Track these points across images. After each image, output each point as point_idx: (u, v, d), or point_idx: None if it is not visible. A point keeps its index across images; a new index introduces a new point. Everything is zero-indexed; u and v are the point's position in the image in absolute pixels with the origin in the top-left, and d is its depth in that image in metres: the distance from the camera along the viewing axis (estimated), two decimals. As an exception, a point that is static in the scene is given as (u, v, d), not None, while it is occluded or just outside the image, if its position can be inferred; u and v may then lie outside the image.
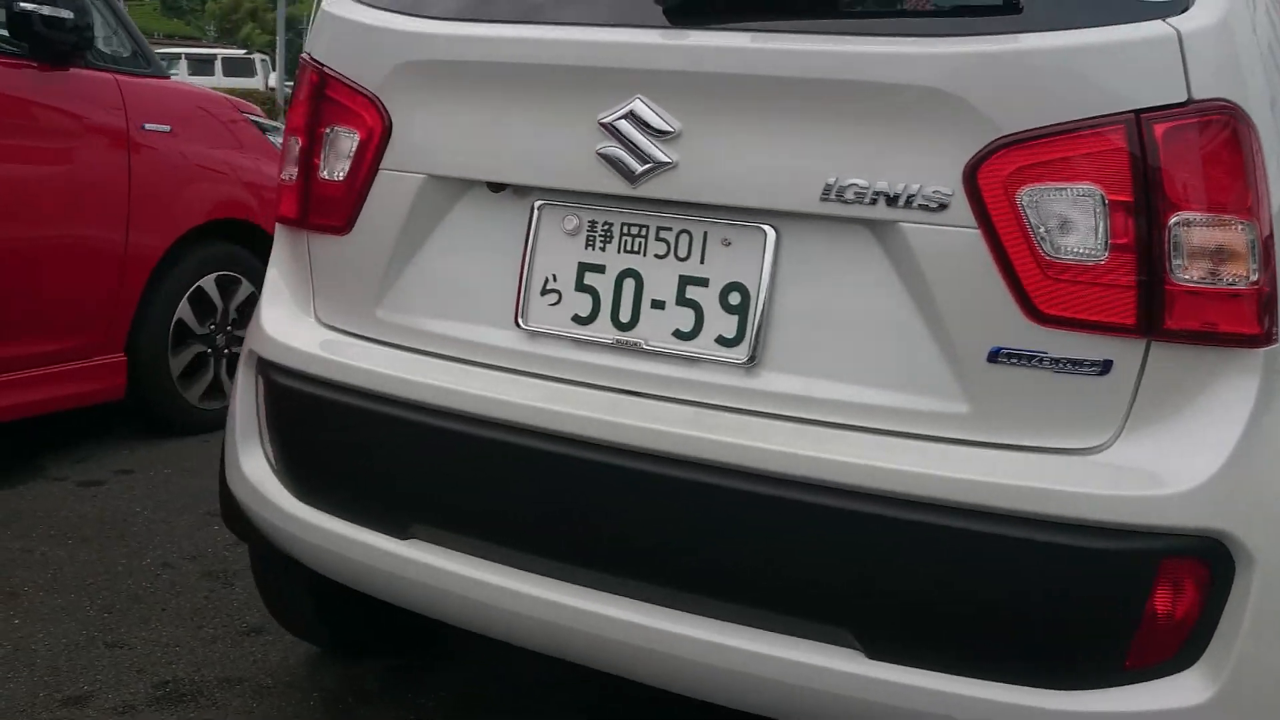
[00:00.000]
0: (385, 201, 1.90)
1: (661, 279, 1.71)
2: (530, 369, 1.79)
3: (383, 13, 1.90)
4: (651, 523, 1.67)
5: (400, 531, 1.88)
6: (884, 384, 1.59)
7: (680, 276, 1.70)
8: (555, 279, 1.78)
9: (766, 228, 1.64)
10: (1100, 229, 1.47)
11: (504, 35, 1.78)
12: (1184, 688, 1.50)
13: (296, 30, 36.11)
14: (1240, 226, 1.46)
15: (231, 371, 4.19)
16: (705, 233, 1.68)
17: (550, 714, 2.46)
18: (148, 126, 3.83)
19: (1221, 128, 1.46)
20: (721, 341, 1.67)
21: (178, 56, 26.94)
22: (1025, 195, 1.49)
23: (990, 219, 1.50)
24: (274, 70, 28.57)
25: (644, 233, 1.72)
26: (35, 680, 2.44)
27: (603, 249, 1.75)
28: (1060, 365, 1.51)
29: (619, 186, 1.69)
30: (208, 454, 3.95)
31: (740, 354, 1.65)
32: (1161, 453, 1.50)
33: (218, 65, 26.28)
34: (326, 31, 2.00)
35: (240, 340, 4.20)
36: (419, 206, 1.87)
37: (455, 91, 1.82)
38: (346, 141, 1.93)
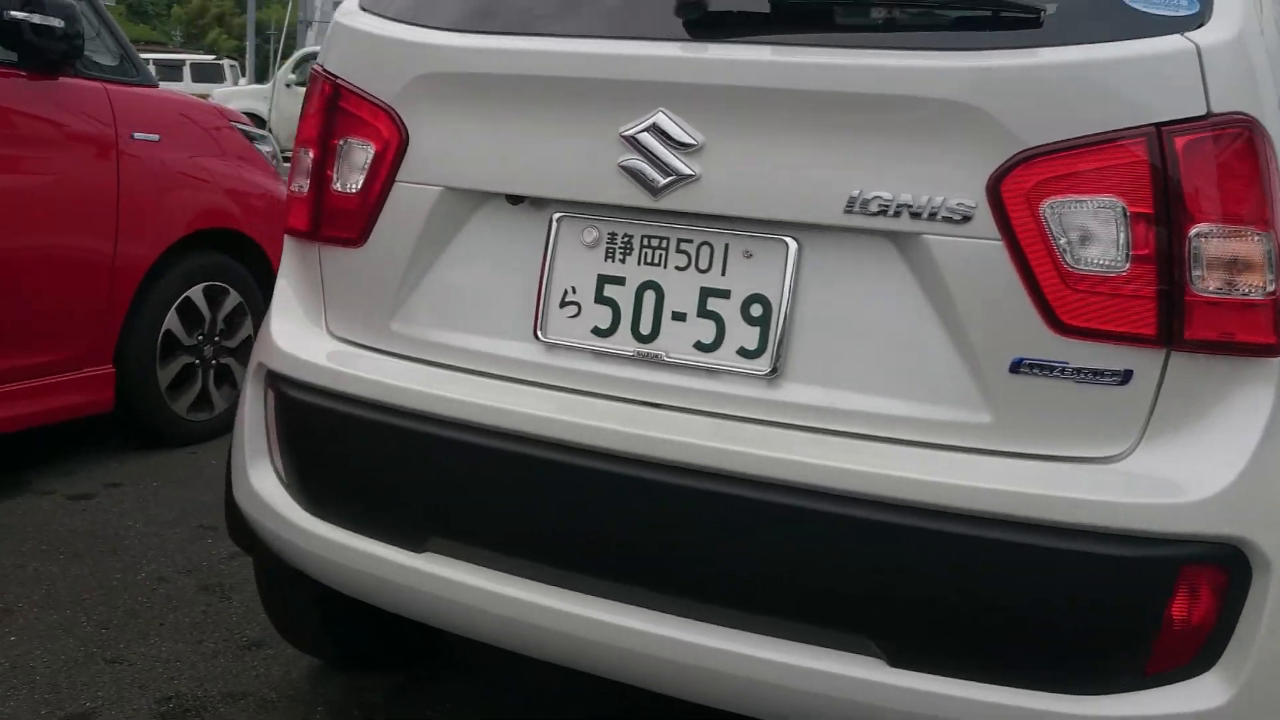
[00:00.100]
0: (401, 214, 1.90)
1: (682, 291, 1.72)
2: (549, 381, 1.79)
3: (399, 25, 1.90)
4: (674, 534, 1.67)
5: (416, 545, 1.88)
6: (906, 394, 1.61)
7: (701, 288, 1.71)
8: (574, 291, 1.78)
9: (788, 239, 1.65)
10: (1121, 240, 1.50)
11: (524, 48, 1.78)
12: (1203, 691, 1.53)
13: (264, 35, 35.93)
14: (1257, 237, 1.49)
15: (219, 382, 4.20)
16: (726, 245, 1.69)
17: (557, 725, 2.47)
18: (137, 136, 3.80)
19: (1239, 140, 1.48)
20: (743, 353, 1.68)
21: (146, 62, 26.73)
22: (1048, 207, 1.51)
23: (1013, 231, 1.52)
24: (244, 76, 28.43)
25: (664, 245, 1.73)
26: (36, 698, 2.41)
27: (622, 261, 1.75)
28: (1081, 375, 1.53)
29: (641, 199, 1.69)
30: (197, 466, 3.94)
31: (762, 365, 1.66)
32: (1180, 461, 1.52)
33: (186, 71, 26.09)
34: (340, 43, 2.00)
35: (228, 351, 4.24)
36: (435, 219, 1.87)
37: (474, 104, 1.83)
38: (361, 153, 1.93)
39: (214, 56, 32.59)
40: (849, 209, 1.59)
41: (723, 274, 1.70)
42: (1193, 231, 1.48)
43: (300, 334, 2.05)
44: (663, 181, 1.67)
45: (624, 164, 1.69)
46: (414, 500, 1.89)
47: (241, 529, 2.23)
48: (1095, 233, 1.51)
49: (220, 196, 4.14)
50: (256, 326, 4.32)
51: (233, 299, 4.25)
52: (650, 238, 1.74)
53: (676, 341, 1.72)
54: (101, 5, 3.94)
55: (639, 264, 1.75)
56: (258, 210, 4.33)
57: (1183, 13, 1.54)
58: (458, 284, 1.89)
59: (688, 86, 1.66)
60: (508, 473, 1.78)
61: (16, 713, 2.35)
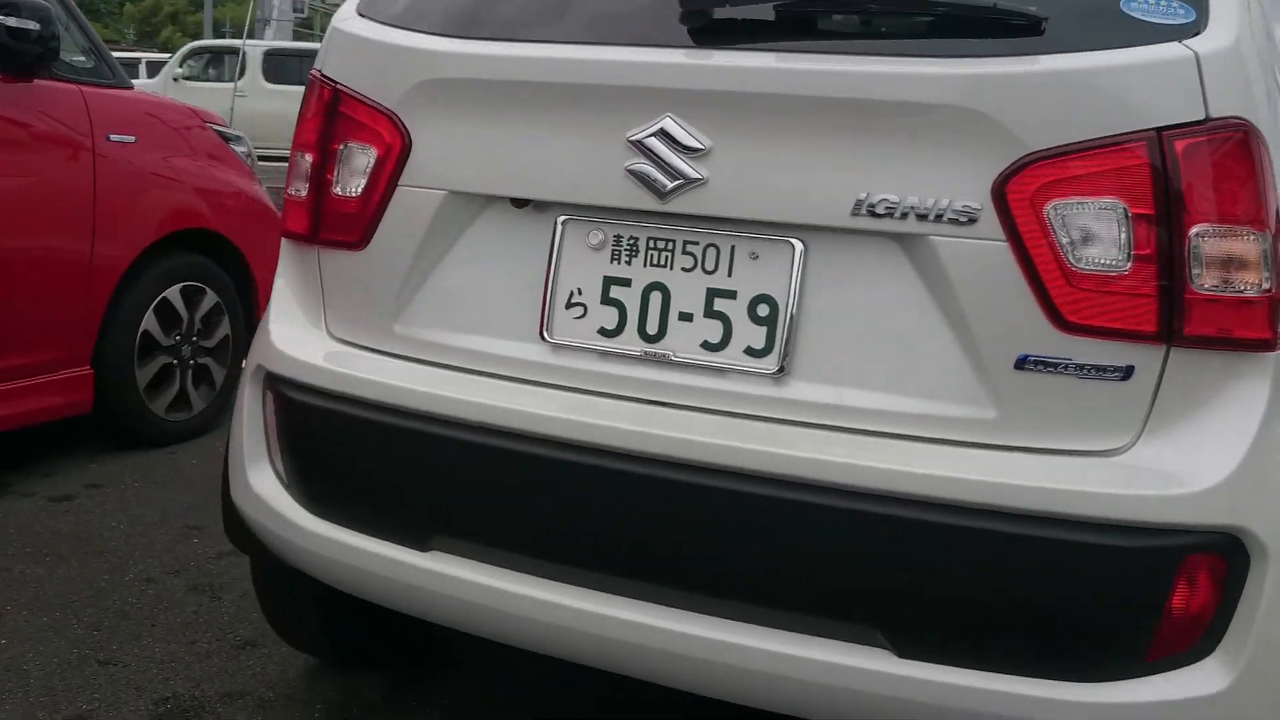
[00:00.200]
0: (404, 217, 1.91)
1: (689, 292, 1.74)
2: (556, 381, 1.81)
3: (401, 31, 1.92)
4: (683, 530, 1.70)
5: (421, 544, 1.89)
6: (912, 391, 1.64)
7: (708, 289, 1.73)
8: (580, 293, 1.80)
9: (795, 241, 1.68)
10: (1124, 241, 1.54)
11: (530, 55, 1.80)
12: (1203, 676, 1.57)
13: (219, 33, 35.56)
14: (1253, 237, 1.53)
15: (197, 382, 4.18)
16: (733, 246, 1.72)
17: (554, 720, 2.49)
18: (113, 138, 3.77)
19: (1236, 144, 1.53)
20: (750, 352, 1.71)
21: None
22: (1052, 209, 1.55)
23: (1018, 232, 1.56)
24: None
25: (670, 247, 1.75)
26: (31, 701, 2.40)
27: (628, 263, 1.78)
28: (1084, 371, 1.57)
29: (648, 202, 1.72)
30: (177, 466, 3.92)
31: (770, 364, 1.69)
32: (1179, 454, 1.57)
33: (142, 69, 25.77)
34: (338, 48, 2.01)
35: (205, 351, 4.22)
36: (439, 222, 1.89)
37: (478, 109, 1.84)
38: (362, 158, 1.94)
39: (169, 55, 32.21)
40: (856, 211, 1.62)
41: (729, 275, 1.72)
42: (1192, 231, 1.53)
43: (300, 336, 2.06)
44: (670, 185, 1.69)
45: (631, 168, 1.71)
46: (419, 499, 1.90)
47: (239, 529, 2.23)
48: (1098, 233, 1.55)
49: (196, 197, 4.12)
50: (234, 326, 4.32)
51: (210, 299, 4.23)
52: (656, 240, 1.76)
53: (684, 341, 1.74)
54: (75, 7, 3.90)
55: (645, 265, 1.77)
56: (233, 211, 4.31)
57: (1180, 21, 1.58)
58: (461, 286, 1.90)
59: (695, 92, 1.69)
60: (515, 472, 1.80)
61: (13, 716, 2.34)
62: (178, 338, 4.12)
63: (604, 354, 1.79)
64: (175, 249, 4.06)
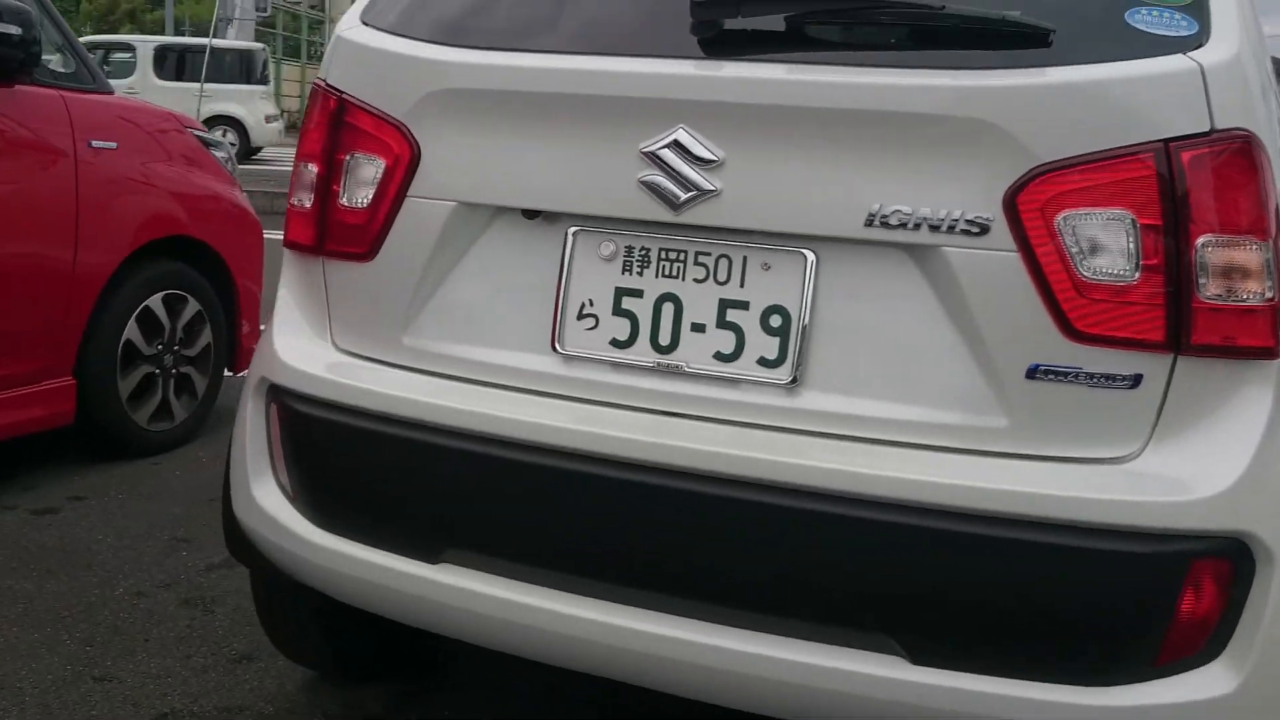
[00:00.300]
0: (413, 228, 1.91)
1: (701, 302, 1.75)
2: (568, 392, 1.82)
3: (410, 41, 1.91)
4: (697, 541, 1.71)
5: (431, 556, 1.89)
6: (924, 401, 1.66)
7: (720, 300, 1.74)
8: (592, 304, 1.81)
9: (807, 252, 1.70)
10: (1132, 251, 1.56)
11: (543, 66, 1.80)
12: (1211, 679, 1.60)
13: (179, 32, 35.26)
14: (1257, 246, 1.56)
15: (179, 392, 4.15)
16: (745, 257, 1.73)
17: (556, 729, 2.49)
18: (95, 144, 3.74)
19: (1240, 154, 1.56)
20: (763, 363, 1.72)
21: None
22: (1062, 220, 1.57)
23: (1029, 243, 1.58)
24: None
25: (682, 258, 1.76)
26: (27, 719, 2.38)
27: (640, 274, 1.79)
28: (1094, 380, 1.59)
29: (661, 213, 1.73)
30: (161, 478, 3.89)
31: (783, 374, 1.71)
32: (1186, 461, 1.60)
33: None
34: (344, 58, 2.00)
35: (187, 360, 4.19)
36: (448, 233, 1.89)
37: (488, 120, 1.85)
38: (369, 169, 1.94)
39: (130, 54, 31.87)
40: (869, 222, 1.64)
41: (741, 286, 1.74)
42: (1198, 241, 1.56)
43: (305, 348, 2.05)
44: (683, 196, 1.71)
45: (644, 179, 1.72)
46: (429, 512, 1.90)
47: (241, 543, 2.22)
48: (1107, 244, 1.57)
49: (178, 204, 4.09)
50: (215, 335, 4.29)
51: (191, 307, 4.19)
52: (668, 251, 1.77)
53: (696, 352, 1.75)
54: (54, 10, 3.87)
55: (657, 276, 1.78)
56: (215, 217, 4.28)
57: (1183, 33, 1.61)
58: (471, 298, 1.90)
59: (708, 104, 1.70)
60: (528, 483, 1.80)
61: (9, 735, 2.32)
62: (160, 347, 4.08)
63: (616, 365, 1.80)
64: (157, 256, 4.03)
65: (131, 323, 3.95)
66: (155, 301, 4.04)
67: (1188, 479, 1.58)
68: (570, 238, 1.82)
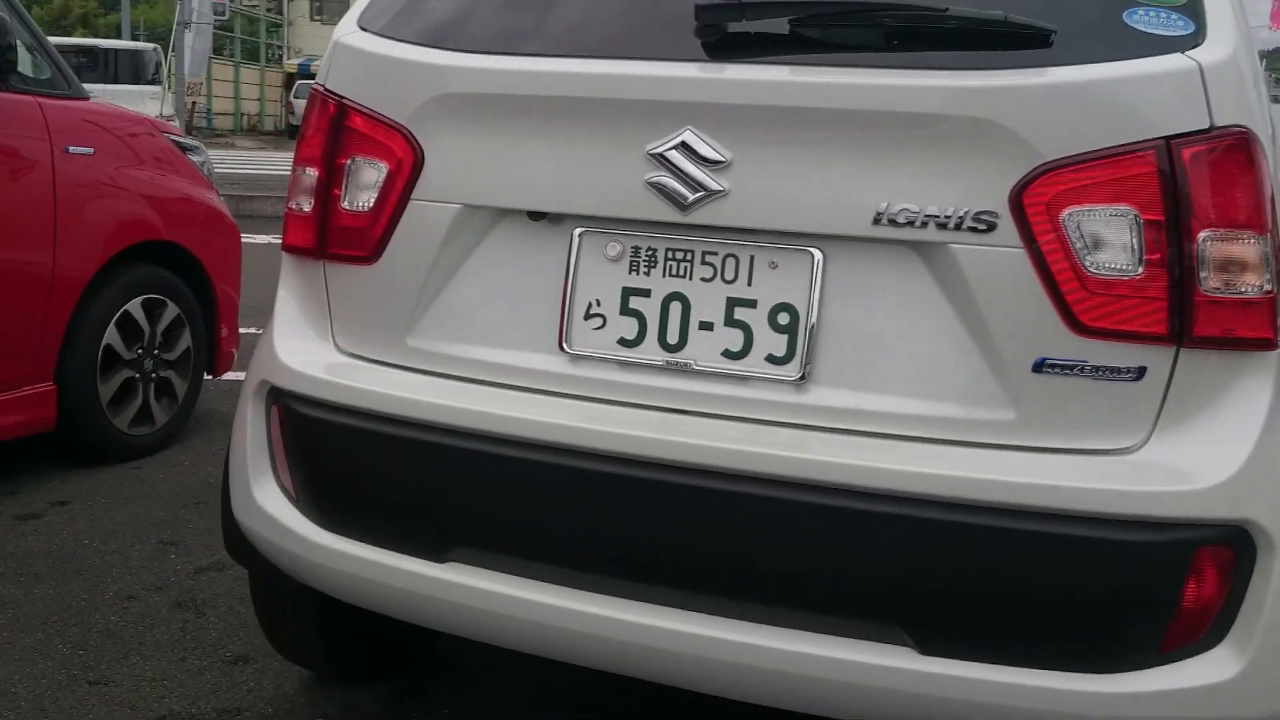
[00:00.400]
0: (417, 231, 1.91)
1: (708, 301, 1.77)
2: (576, 392, 1.83)
3: (411, 46, 1.92)
4: (709, 536, 1.72)
5: (438, 555, 1.89)
6: (932, 395, 1.69)
7: (728, 298, 1.76)
8: (599, 304, 1.82)
9: (814, 250, 1.72)
10: (1136, 246, 1.60)
11: (549, 70, 1.82)
12: (1213, 664, 1.63)
13: (134, 37, 34.89)
14: (1255, 240, 1.60)
15: (159, 396, 4.13)
16: (752, 256, 1.75)
17: (555, 727, 2.50)
18: (72, 149, 3.71)
19: (1239, 151, 1.60)
20: (772, 360, 1.74)
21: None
22: (1067, 216, 1.60)
23: (1035, 239, 1.61)
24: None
25: (689, 257, 1.78)
26: (24, 725, 2.37)
27: (647, 274, 1.80)
28: (1099, 373, 1.63)
29: (669, 214, 1.74)
30: (144, 482, 3.87)
31: (791, 371, 1.73)
32: (1189, 450, 1.63)
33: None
34: (343, 63, 2.00)
35: (167, 364, 4.16)
36: (452, 235, 1.90)
37: (493, 123, 1.86)
38: (371, 172, 1.94)
39: (85, 59, 31.52)
40: (877, 221, 1.66)
41: (749, 284, 1.76)
42: (1199, 236, 1.59)
43: (307, 350, 2.05)
44: (692, 197, 1.72)
45: (652, 180, 1.74)
46: (436, 512, 1.91)
47: (241, 545, 2.22)
48: (1111, 239, 1.61)
49: (156, 209, 4.06)
50: (194, 339, 4.26)
51: (170, 311, 4.17)
52: (675, 250, 1.79)
53: (705, 350, 1.77)
54: (27, 15, 3.83)
55: (664, 276, 1.80)
56: (193, 222, 4.26)
57: (1180, 33, 1.65)
58: (476, 299, 1.91)
59: (715, 105, 1.72)
60: (537, 482, 1.81)
61: (7, 742, 2.30)
62: (140, 351, 4.06)
63: (624, 364, 1.81)
64: (135, 261, 4.01)
65: (111, 327, 3.92)
66: (134, 306, 4.01)
67: (1191, 469, 1.62)
68: (576, 239, 1.83)
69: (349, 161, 1.96)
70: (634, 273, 1.81)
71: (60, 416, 3.77)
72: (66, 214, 3.68)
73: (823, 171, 1.69)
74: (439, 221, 1.90)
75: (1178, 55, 1.61)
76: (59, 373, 3.75)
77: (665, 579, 1.76)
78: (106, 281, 3.88)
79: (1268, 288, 1.61)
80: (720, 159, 1.71)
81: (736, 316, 1.76)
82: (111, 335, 3.93)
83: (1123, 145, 1.59)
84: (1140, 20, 1.66)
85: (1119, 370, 1.62)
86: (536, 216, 1.87)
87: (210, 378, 4.51)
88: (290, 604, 2.35)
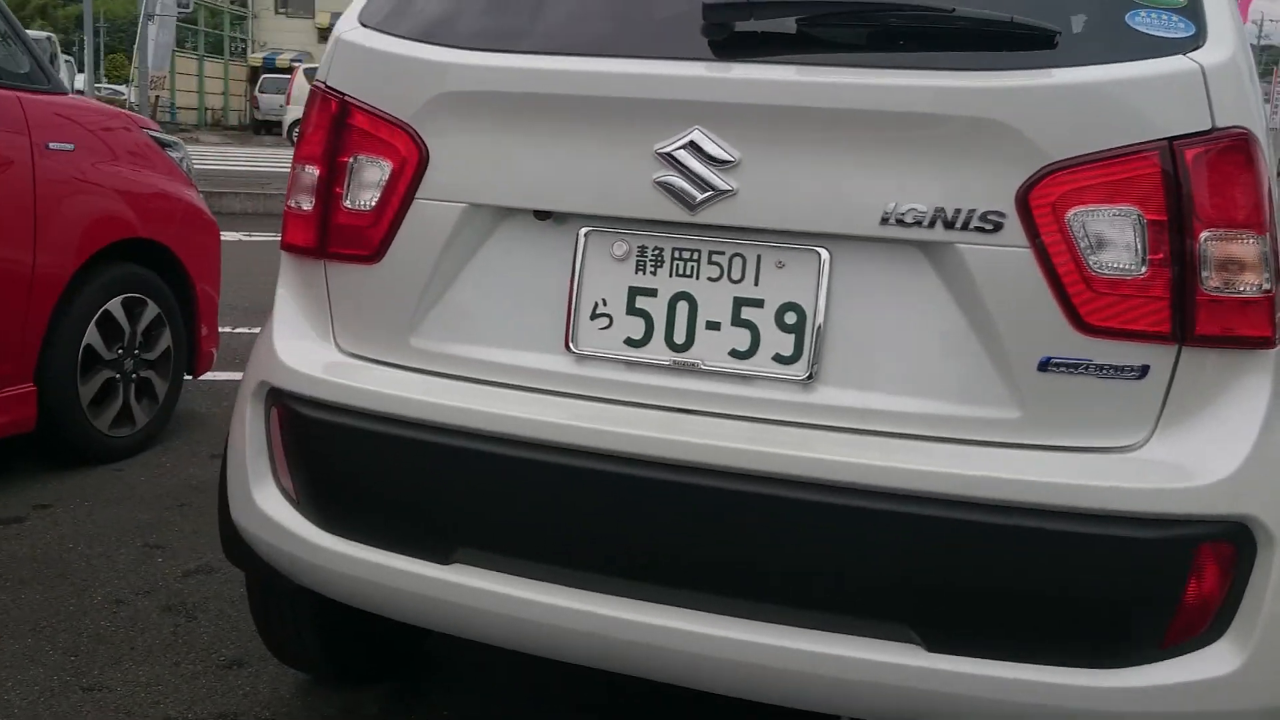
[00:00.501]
0: (421, 230, 1.91)
1: (715, 301, 1.78)
2: (582, 391, 1.84)
3: (416, 43, 1.91)
4: (716, 536, 1.73)
5: (442, 557, 1.89)
6: (938, 394, 1.70)
7: (735, 298, 1.77)
8: (605, 303, 1.83)
9: (820, 250, 1.73)
10: (1139, 246, 1.62)
11: (556, 68, 1.81)
12: (1215, 658, 1.66)
13: (94, 30, 34.48)
14: (1255, 240, 1.63)
15: (140, 396, 4.09)
16: (759, 256, 1.76)
17: (553, 725, 2.51)
18: (52, 145, 3.67)
19: (1239, 151, 1.62)
20: (779, 359, 1.75)
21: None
22: (1072, 216, 1.62)
23: (1041, 239, 1.63)
24: (80, 72, 27.21)
25: (696, 257, 1.79)
26: (19, 731, 2.35)
27: (654, 273, 1.81)
28: (1103, 371, 1.65)
29: (676, 213, 1.75)
30: (126, 484, 3.83)
31: (799, 370, 1.74)
32: (1191, 448, 1.65)
33: (20, 68, 24.77)
34: (346, 60, 1.99)
35: (147, 364, 4.12)
36: (457, 235, 1.89)
37: (499, 121, 1.85)
38: (375, 171, 1.93)
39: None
40: (884, 220, 1.67)
41: (755, 284, 1.77)
42: (1201, 236, 1.62)
43: (308, 351, 2.04)
44: (700, 197, 1.73)
45: (660, 180, 1.74)
46: (442, 513, 1.90)
47: (239, 548, 2.20)
48: (1115, 239, 1.63)
49: (137, 206, 4.02)
50: (175, 338, 4.23)
51: (151, 310, 4.13)
52: (682, 250, 1.79)
53: (711, 350, 1.78)
54: (7, 9, 3.78)
55: (671, 276, 1.80)
56: (173, 219, 4.22)
57: (1181, 35, 1.67)
58: (481, 298, 1.91)
59: (723, 105, 1.72)
60: (543, 482, 1.81)
61: (1, 749, 2.28)
62: (120, 351, 4.02)
63: (631, 364, 1.81)
64: (115, 259, 3.97)
65: (91, 327, 3.89)
66: (115, 305, 3.97)
67: (1192, 466, 1.64)
68: (582, 238, 1.84)
69: (351, 160, 1.96)
70: (640, 272, 1.81)
71: (40, 417, 3.73)
72: (46, 211, 3.64)
73: (830, 171, 1.70)
74: (443, 221, 1.89)
75: (1179, 57, 1.64)
76: (39, 373, 3.71)
77: (673, 579, 1.77)
78: (86, 280, 3.84)
79: (1266, 287, 1.64)
80: (728, 158, 1.72)
81: (743, 316, 1.77)
82: (92, 335, 3.89)
83: (1127, 146, 1.61)
84: (1142, 22, 1.68)
85: (1122, 369, 1.65)
86: (543, 216, 1.87)
87: (190, 378, 4.47)
88: (288, 607, 2.34)
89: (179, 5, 26.36)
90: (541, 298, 1.87)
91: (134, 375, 4.09)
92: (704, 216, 1.74)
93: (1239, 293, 1.63)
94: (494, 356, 1.90)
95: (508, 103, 1.85)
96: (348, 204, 1.97)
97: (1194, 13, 1.70)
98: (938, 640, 1.69)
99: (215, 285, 4.49)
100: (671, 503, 1.74)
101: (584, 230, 1.84)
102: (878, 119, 1.68)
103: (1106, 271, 1.63)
